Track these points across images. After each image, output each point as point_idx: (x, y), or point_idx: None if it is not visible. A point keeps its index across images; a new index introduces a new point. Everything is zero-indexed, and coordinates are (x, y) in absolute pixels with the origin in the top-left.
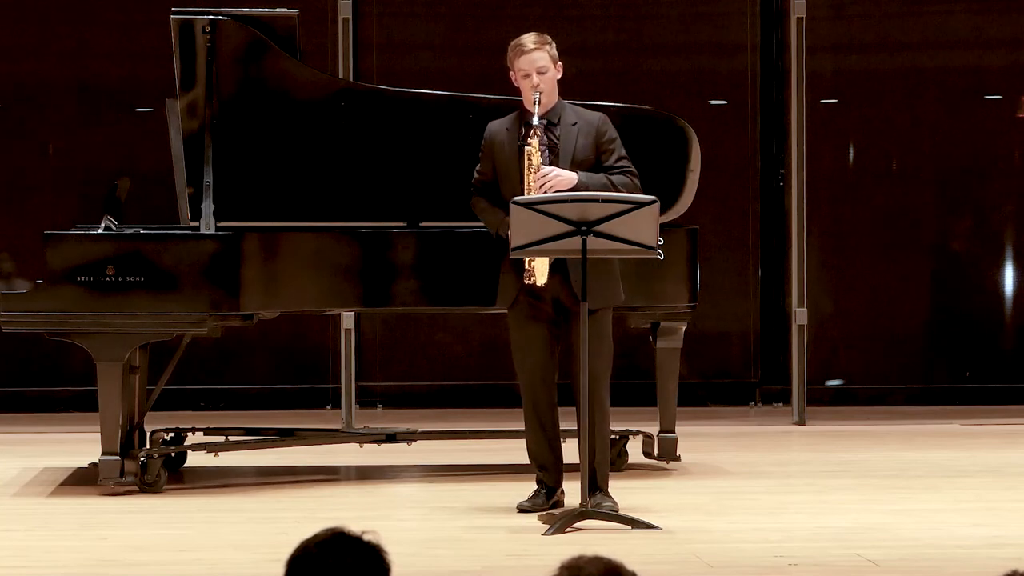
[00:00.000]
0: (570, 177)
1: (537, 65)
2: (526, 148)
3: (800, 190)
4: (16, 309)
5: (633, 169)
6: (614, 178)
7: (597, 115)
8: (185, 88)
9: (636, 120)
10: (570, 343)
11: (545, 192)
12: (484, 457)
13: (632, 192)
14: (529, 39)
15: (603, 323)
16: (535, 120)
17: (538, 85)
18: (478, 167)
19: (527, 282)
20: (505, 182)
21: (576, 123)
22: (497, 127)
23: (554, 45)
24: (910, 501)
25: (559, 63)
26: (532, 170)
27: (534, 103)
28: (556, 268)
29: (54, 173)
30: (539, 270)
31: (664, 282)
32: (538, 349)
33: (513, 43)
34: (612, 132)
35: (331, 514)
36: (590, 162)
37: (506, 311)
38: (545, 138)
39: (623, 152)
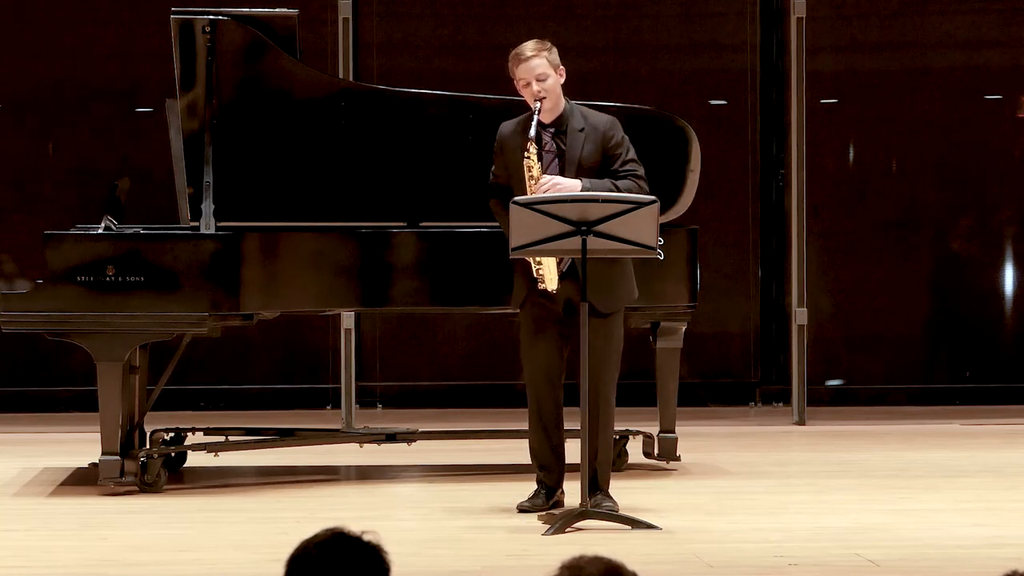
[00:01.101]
0: (571, 186)
1: (536, 73)
2: (525, 161)
3: (800, 190)
4: (16, 309)
5: (640, 172)
6: (619, 183)
7: (605, 119)
8: (185, 88)
9: (636, 120)
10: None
11: None
12: (484, 457)
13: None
14: (528, 47)
15: (615, 325)
16: (532, 131)
17: (539, 93)
18: (493, 168)
19: (539, 287)
20: (517, 185)
21: (583, 128)
22: (508, 130)
23: (555, 51)
24: (910, 501)
25: (561, 68)
26: (532, 181)
27: (535, 112)
28: (569, 273)
29: (54, 173)
30: (548, 276)
31: (664, 282)
32: (546, 350)
33: (513, 52)
34: (619, 136)
35: (331, 514)
36: (597, 167)
37: (512, 310)
38: (553, 145)
39: (631, 155)
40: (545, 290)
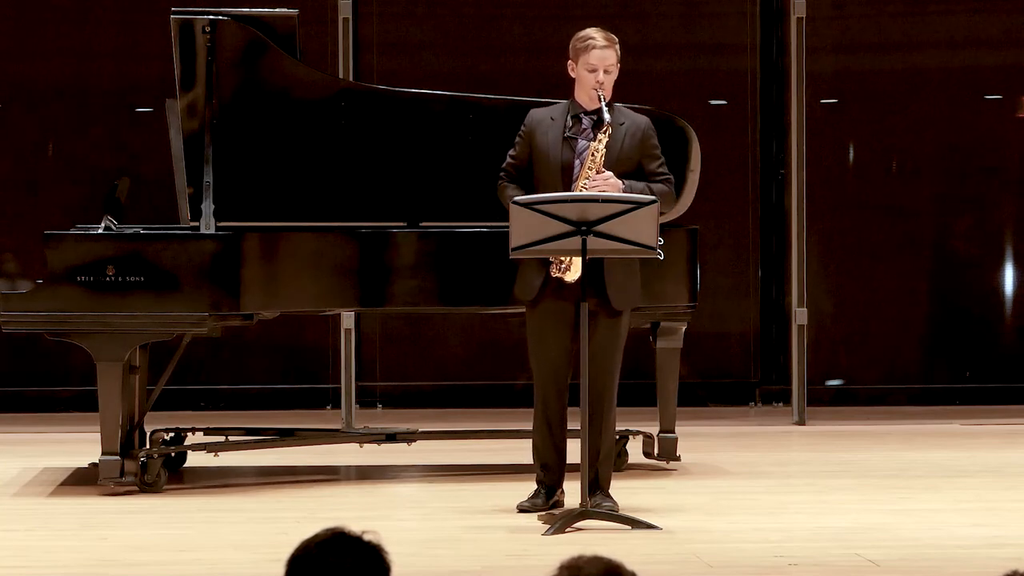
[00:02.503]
0: (619, 185)
1: (607, 63)
2: (592, 143)
3: (800, 190)
4: (16, 309)
5: (671, 176)
6: (654, 187)
7: (644, 119)
8: (185, 88)
9: None
10: (589, 346)
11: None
12: (484, 457)
13: (667, 199)
14: (600, 35)
15: (624, 325)
16: (607, 117)
17: (602, 83)
18: (511, 152)
19: (555, 275)
20: (544, 172)
21: (624, 123)
22: (541, 115)
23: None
24: (910, 501)
25: (618, 64)
26: (592, 167)
27: (599, 100)
28: (590, 269)
29: (54, 173)
30: (576, 264)
31: (664, 282)
32: (556, 350)
33: (582, 36)
34: (656, 138)
35: (331, 514)
36: (633, 162)
37: (513, 310)
38: (592, 134)
39: (663, 158)
40: (561, 279)
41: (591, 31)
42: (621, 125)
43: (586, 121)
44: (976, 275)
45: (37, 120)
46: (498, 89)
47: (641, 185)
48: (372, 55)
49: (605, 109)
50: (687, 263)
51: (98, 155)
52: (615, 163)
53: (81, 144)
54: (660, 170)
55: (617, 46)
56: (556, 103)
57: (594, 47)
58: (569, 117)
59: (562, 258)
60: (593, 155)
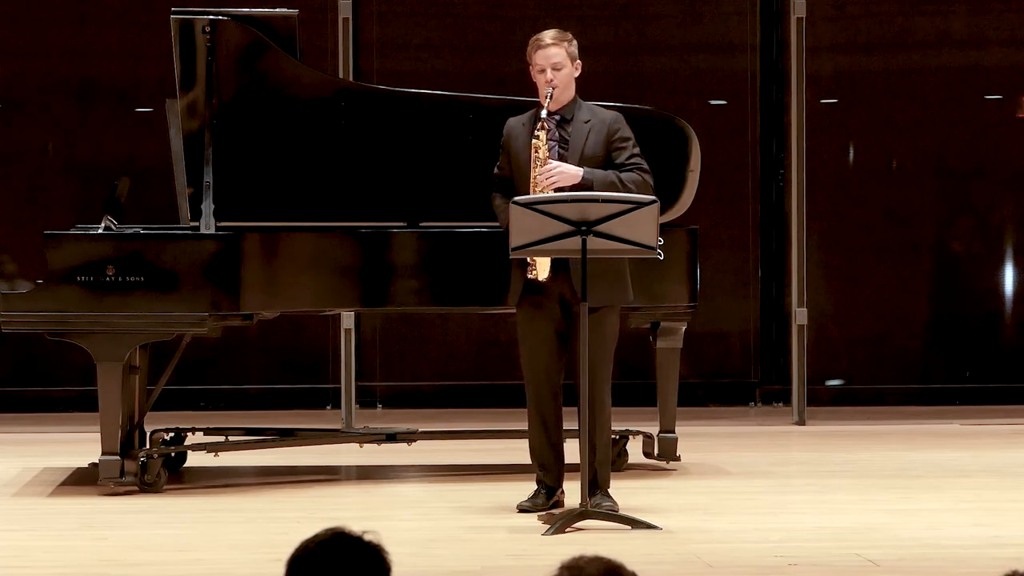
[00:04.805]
0: (574, 173)
1: (552, 61)
2: (533, 141)
3: (800, 190)
4: (16, 309)
5: (645, 167)
6: (623, 175)
7: (611, 114)
8: (185, 88)
9: (636, 120)
10: (577, 345)
11: (548, 185)
12: (484, 457)
13: (642, 189)
14: (548, 35)
15: (607, 322)
16: (543, 113)
17: (551, 80)
18: (497, 163)
19: (529, 276)
20: (519, 177)
21: (589, 120)
22: (515, 122)
23: (575, 44)
24: (910, 501)
25: (578, 61)
26: (538, 163)
27: (546, 97)
28: (559, 267)
29: (54, 173)
30: (541, 264)
31: (664, 282)
32: (545, 350)
33: (533, 37)
34: (625, 131)
35: (331, 514)
36: (600, 159)
37: (512, 309)
38: (556, 133)
39: (636, 151)
40: (537, 284)
41: (542, 32)
42: (586, 123)
43: (551, 123)
44: (976, 275)
45: (37, 120)
46: (498, 89)
47: (603, 173)
48: (372, 55)
49: (546, 104)
50: (687, 263)
51: (98, 155)
52: (580, 161)
53: (81, 144)
54: (630, 161)
55: (567, 43)
56: (513, 103)
57: (539, 47)
58: (536, 120)
59: (532, 260)
60: (536, 151)
